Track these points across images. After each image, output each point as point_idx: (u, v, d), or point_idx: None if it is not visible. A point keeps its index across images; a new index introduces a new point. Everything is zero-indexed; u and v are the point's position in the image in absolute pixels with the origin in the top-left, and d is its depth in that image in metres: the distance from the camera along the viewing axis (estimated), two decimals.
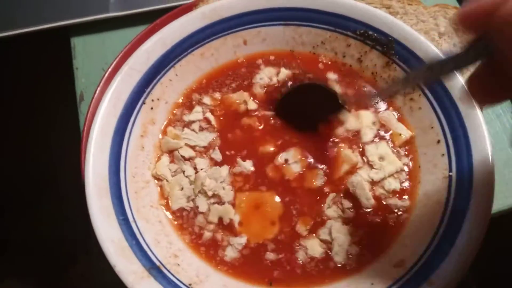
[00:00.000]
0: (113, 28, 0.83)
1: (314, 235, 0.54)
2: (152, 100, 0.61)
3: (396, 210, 0.55)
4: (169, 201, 0.56)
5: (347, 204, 0.55)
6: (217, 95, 0.64)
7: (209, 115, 0.62)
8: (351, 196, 0.56)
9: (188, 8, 0.74)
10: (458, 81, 0.55)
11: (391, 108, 0.62)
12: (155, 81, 0.61)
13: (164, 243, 0.52)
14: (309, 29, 0.65)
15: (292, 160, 0.58)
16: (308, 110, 0.59)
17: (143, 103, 0.60)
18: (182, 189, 0.57)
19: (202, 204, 0.56)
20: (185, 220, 0.56)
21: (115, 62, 0.72)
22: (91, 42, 0.83)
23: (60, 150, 0.82)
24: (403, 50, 0.60)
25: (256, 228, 0.54)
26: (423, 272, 0.47)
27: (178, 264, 0.51)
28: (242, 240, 0.53)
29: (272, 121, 0.62)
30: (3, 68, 0.89)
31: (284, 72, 0.65)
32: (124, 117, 0.57)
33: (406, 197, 0.56)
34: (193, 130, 0.62)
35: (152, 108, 0.61)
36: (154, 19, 0.78)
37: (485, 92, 0.39)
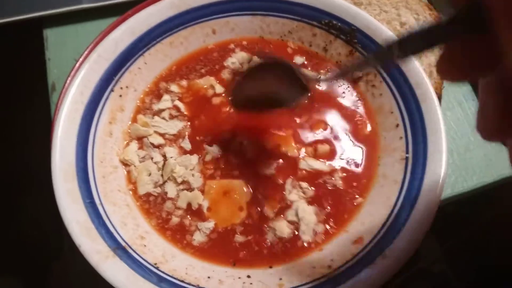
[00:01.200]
0: (87, 19, 0.84)
1: (282, 216, 0.56)
2: (121, 88, 0.62)
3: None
4: (137, 186, 0.58)
5: (305, 184, 0.57)
6: (184, 82, 0.65)
7: (178, 102, 0.64)
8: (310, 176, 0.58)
9: None
10: (416, 67, 0.57)
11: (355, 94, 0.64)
12: (123, 69, 0.62)
13: (131, 225, 0.53)
14: (276, 19, 0.67)
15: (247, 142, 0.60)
16: (267, 95, 0.55)
17: (112, 90, 0.61)
18: (149, 174, 0.58)
19: (171, 190, 0.57)
20: (152, 205, 0.57)
21: (86, 52, 0.73)
22: (64, 33, 0.83)
23: (34, 141, 0.83)
24: (365, 39, 0.62)
25: (224, 213, 0.56)
26: (379, 246, 0.49)
27: (145, 245, 0.52)
28: (210, 224, 0.55)
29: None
30: None
31: (256, 62, 0.67)
32: (91, 104, 0.58)
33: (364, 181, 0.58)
34: (163, 118, 0.63)
35: (121, 96, 0.62)
36: (127, 10, 0.79)
37: (459, 69, 0.32)
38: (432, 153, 0.52)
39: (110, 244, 0.49)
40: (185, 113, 0.63)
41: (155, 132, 0.61)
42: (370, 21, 0.62)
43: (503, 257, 1.09)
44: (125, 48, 0.62)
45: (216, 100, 0.64)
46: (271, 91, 0.53)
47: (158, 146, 0.61)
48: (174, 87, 0.65)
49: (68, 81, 0.70)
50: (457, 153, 0.70)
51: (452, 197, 0.67)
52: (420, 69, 0.58)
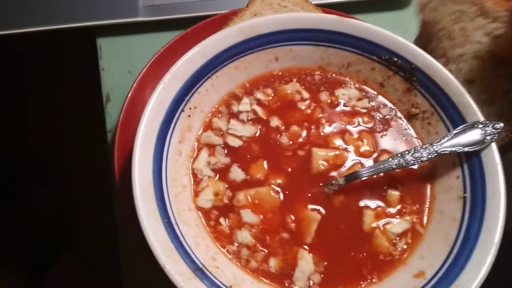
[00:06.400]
0: (139, 32, 0.85)
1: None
2: (190, 108, 0.64)
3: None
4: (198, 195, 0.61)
5: None
6: (269, 91, 0.70)
7: (256, 107, 0.68)
8: None
9: (219, 20, 0.77)
10: (472, 105, 0.61)
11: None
12: (193, 90, 0.64)
13: (203, 246, 0.55)
14: (337, 51, 0.70)
15: None
16: None
17: (182, 110, 0.63)
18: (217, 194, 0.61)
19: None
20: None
21: (145, 69, 0.74)
22: (117, 44, 0.84)
23: (86, 148, 0.84)
24: (425, 78, 0.65)
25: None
26: (443, 282, 0.52)
27: (217, 267, 0.54)
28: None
29: None
30: (31, 62, 0.90)
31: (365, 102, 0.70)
32: (165, 123, 0.60)
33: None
34: (242, 120, 0.67)
35: (189, 116, 0.64)
36: (181, 27, 0.81)
37: None
38: (491, 195, 0.56)
39: (190, 265, 0.51)
40: (262, 117, 0.67)
41: (232, 134, 0.65)
42: (432, 62, 0.65)
43: None
44: (197, 69, 0.64)
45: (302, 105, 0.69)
46: None
47: (234, 151, 0.64)
48: (260, 95, 0.69)
49: (128, 97, 0.71)
50: None
51: None
52: (475, 107, 0.61)
